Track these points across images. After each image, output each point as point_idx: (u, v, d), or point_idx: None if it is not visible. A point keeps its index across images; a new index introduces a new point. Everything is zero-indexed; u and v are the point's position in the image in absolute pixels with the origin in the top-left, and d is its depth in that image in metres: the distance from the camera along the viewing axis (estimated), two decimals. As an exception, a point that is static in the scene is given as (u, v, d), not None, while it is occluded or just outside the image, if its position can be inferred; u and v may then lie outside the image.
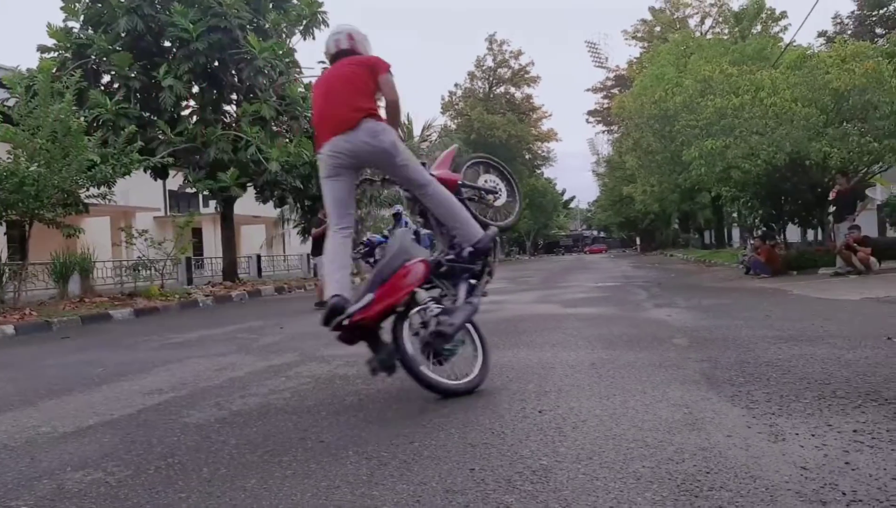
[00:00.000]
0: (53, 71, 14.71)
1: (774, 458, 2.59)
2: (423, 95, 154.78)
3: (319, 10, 19.52)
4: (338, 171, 4.02)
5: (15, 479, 2.86)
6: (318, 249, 12.02)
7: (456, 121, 52.98)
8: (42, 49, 16.76)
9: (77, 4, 17.06)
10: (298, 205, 22.23)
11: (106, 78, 17.77)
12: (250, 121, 17.44)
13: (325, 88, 4.17)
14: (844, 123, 13.84)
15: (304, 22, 19.49)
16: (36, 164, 11.37)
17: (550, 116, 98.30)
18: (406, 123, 45.44)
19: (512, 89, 55.82)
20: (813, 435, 2.86)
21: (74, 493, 2.65)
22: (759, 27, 32.66)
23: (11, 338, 9.36)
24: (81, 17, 17.23)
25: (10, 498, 2.63)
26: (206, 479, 2.72)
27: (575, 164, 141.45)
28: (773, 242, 15.54)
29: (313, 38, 20.55)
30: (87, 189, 12.99)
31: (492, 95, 54.58)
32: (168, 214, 26.76)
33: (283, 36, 19.25)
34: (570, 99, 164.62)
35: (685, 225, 51.38)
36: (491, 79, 55.20)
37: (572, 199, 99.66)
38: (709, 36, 37.56)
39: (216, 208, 20.95)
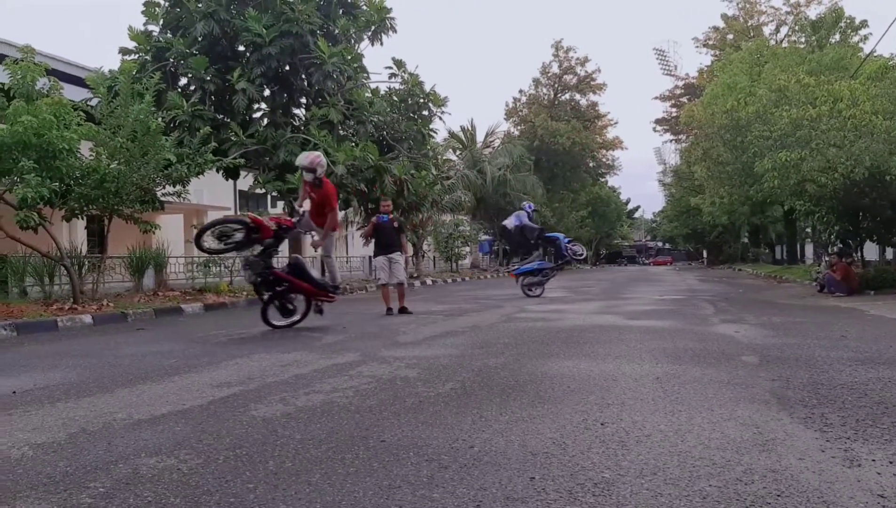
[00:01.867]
0: (134, 73, 15.33)
1: (849, 484, 2.49)
2: (488, 102, 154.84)
3: (388, 15, 19.76)
4: None
5: (93, 461, 3.00)
6: (379, 247, 11.05)
7: (519, 127, 52.73)
8: (123, 51, 17.52)
9: (157, 9, 17.77)
10: (362, 207, 22.54)
11: (183, 80, 18.42)
12: (318, 125, 17.78)
13: None
14: (928, 138, 13.18)
15: (373, 28, 19.77)
16: (116, 162, 11.90)
17: (616, 123, 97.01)
18: (469, 129, 45.72)
19: (577, 96, 55.20)
20: (891, 462, 2.73)
21: (148, 478, 2.76)
22: (837, 36, 31.37)
23: (90, 328, 9.81)
24: (161, 22, 17.93)
25: (88, 480, 2.76)
26: (273, 471, 2.80)
27: (640, 173, 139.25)
28: (849, 259, 14.92)
29: (381, 44, 20.79)
30: (164, 187, 13.49)
31: (556, 102, 54.10)
32: (238, 213, 27.54)
33: (352, 41, 19.55)
34: (636, 107, 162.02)
35: (755, 239, 49.72)
36: (556, 85, 54.73)
37: (637, 208, 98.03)
38: (784, 45, 36.32)
39: (284, 208, 21.44)
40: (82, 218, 13.32)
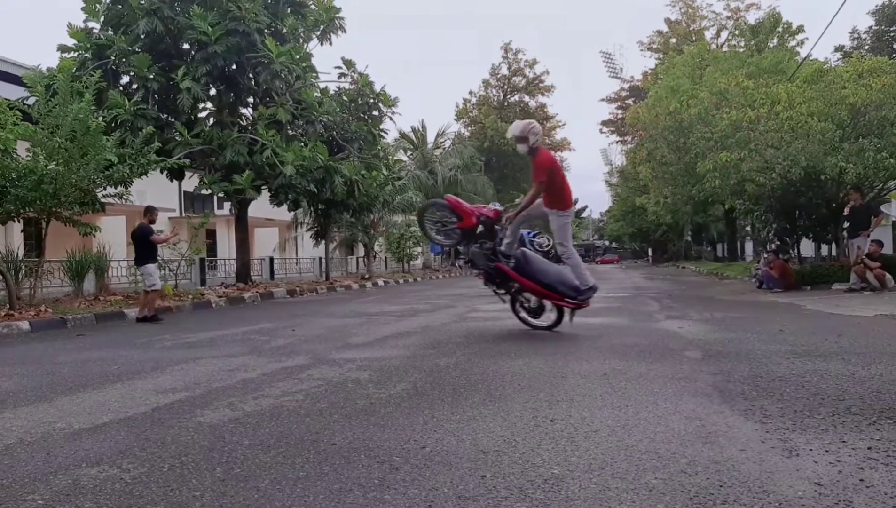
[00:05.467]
0: (73, 71, 14.85)
1: (788, 473, 2.58)
2: (437, 103, 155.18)
3: (337, 15, 19.63)
4: None
5: (31, 473, 2.90)
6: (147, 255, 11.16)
7: (470, 128, 53.01)
8: (62, 49, 16.95)
9: (98, 5, 17.23)
10: (312, 208, 22.31)
11: (125, 79, 17.93)
12: (266, 124, 17.53)
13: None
14: (860, 139, 13.77)
15: (322, 27, 19.60)
16: (54, 162, 11.46)
17: (564, 125, 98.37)
18: (420, 129, 45.72)
19: (526, 98, 55.81)
20: (827, 451, 2.84)
21: (90, 489, 2.67)
22: (775, 41, 32.48)
23: (27, 334, 9.45)
24: (102, 18, 17.40)
25: (26, 492, 2.66)
26: (220, 478, 2.75)
27: (588, 173, 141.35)
28: (786, 256, 15.47)
29: (330, 44, 20.70)
30: (105, 188, 13.09)
31: (506, 104, 54.58)
32: (183, 215, 26.92)
33: (301, 41, 19.34)
34: (584, 109, 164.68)
35: (698, 237, 51.11)
36: (505, 87, 55.22)
37: (584, 208, 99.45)
38: (724, 49, 37.43)
39: (231, 210, 21.07)
40: (19, 221, 12.84)
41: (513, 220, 7.33)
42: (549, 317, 7.59)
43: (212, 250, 28.84)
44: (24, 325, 9.81)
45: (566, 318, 7.41)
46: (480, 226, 7.60)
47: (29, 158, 11.53)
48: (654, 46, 49.04)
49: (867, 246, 12.73)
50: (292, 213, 26.85)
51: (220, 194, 18.91)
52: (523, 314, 7.81)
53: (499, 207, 7.86)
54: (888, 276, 12.33)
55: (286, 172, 17.02)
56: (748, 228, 30.05)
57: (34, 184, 11.23)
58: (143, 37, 16.84)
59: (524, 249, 7.78)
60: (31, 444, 3.37)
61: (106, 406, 4.20)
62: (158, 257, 12.37)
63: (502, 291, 7.80)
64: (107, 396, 4.54)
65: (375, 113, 21.90)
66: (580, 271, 7.23)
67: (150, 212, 11.35)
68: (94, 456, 3.12)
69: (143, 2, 16.77)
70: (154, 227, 11.35)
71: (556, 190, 7.14)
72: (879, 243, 12.94)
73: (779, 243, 18.33)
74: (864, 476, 2.53)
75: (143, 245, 11.11)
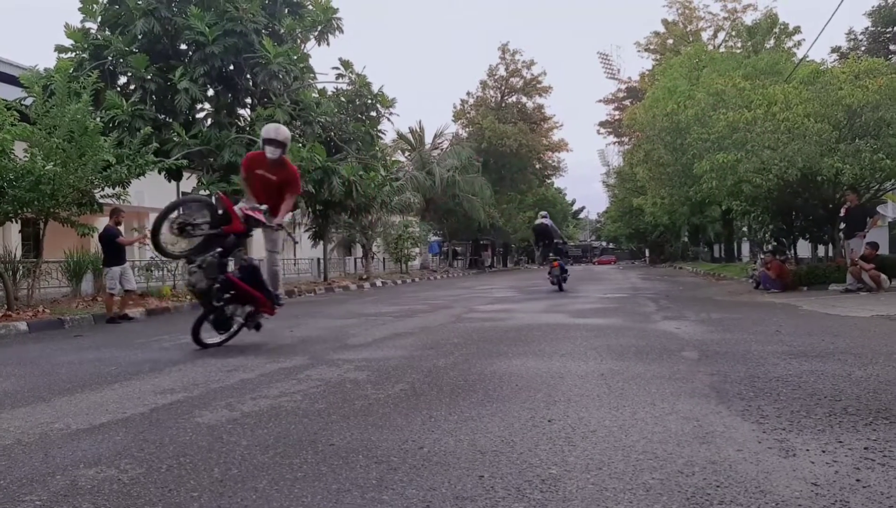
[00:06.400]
0: (70, 71, 14.82)
1: (785, 473, 2.59)
2: (436, 103, 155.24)
3: (334, 16, 19.62)
4: None
5: (28, 474, 2.90)
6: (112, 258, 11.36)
7: (467, 129, 52.96)
8: (60, 49, 16.91)
9: (95, 6, 17.20)
10: (310, 209, 22.30)
11: (122, 79, 17.90)
12: (264, 125, 17.53)
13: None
14: (857, 140, 13.78)
15: (319, 28, 19.59)
16: (52, 163, 11.43)
17: (562, 126, 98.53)
18: (418, 130, 45.72)
19: (524, 99, 55.75)
20: (824, 451, 2.86)
21: (87, 490, 2.68)
22: (772, 42, 32.58)
23: (25, 335, 9.43)
24: (99, 19, 17.37)
25: (24, 493, 2.66)
26: (218, 479, 2.75)
27: (585, 174, 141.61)
28: (783, 257, 15.48)
29: (328, 44, 20.66)
30: (102, 189, 13.07)
31: (503, 105, 54.53)
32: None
33: (298, 41, 19.33)
34: (581, 110, 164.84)
35: (695, 238, 51.16)
36: (503, 88, 55.17)
37: (582, 209, 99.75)
38: (721, 50, 37.47)
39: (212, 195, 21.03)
40: (16, 221, 12.80)
41: (281, 224, 7.13)
42: (232, 331, 7.08)
43: (209, 250, 28.71)
44: (22, 325, 9.80)
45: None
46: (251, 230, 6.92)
47: (27, 159, 11.51)
48: (652, 48, 49.05)
49: (862, 247, 12.76)
50: (290, 214, 26.82)
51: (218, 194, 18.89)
52: (205, 332, 6.95)
53: (262, 207, 6.92)
54: (883, 276, 12.37)
55: (284, 173, 17.00)
56: (745, 228, 30.10)
57: (32, 185, 11.21)
58: (140, 37, 16.81)
59: (250, 257, 7.41)
60: (28, 445, 3.37)
61: (104, 407, 4.20)
62: (156, 259, 12.39)
63: (216, 304, 6.75)
64: (105, 397, 4.54)
65: (373, 114, 21.90)
66: (277, 281, 7.45)
67: (115, 214, 11.47)
68: (91, 457, 3.12)
69: (140, 2, 16.75)
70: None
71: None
72: (874, 246, 12.98)
73: (775, 243, 18.35)
74: (860, 477, 2.54)
75: (109, 247, 11.23)
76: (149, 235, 6.88)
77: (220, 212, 6.78)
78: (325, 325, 9.41)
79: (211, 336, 6.96)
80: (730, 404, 3.77)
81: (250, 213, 6.77)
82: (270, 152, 7.04)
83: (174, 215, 6.62)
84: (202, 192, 18.74)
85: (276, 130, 7.22)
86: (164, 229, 6.49)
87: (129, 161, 12.90)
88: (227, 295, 6.75)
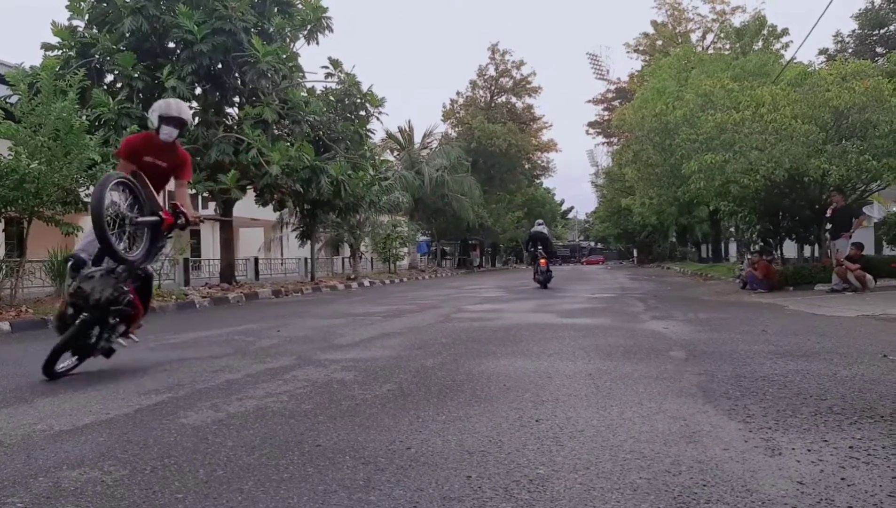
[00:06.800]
0: (57, 69, 14.67)
1: (771, 472, 2.60)
2: (425, 103, 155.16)
3: (324, 15, 19.58)
4: None
5: (10, 476, 2.85)
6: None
7: (457, 129, 52.99)
8: (46, 47, 16.78)
9: (82, 3, 17.07)
10: (298, 209, 22.23)
11: (109, 77, 17.77)
12: (252, 124, 17.44)
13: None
14: (843, 141, 13.91)
15: (309, 27, 19.55)
16: (37, 161, 11.32)
17: (551, 126, 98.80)
18: (407, 130, 45.68)
19: (513, 99, 55.85)
20: (809, 450, 2.87)
21: (71, 492, 2.64)
22: (760, 43, 32.79)
23: (7, 335, 9.33)
24: (86, 16, 17.25)
25: (5, 495, 2.62)
26: (203, 480, 2.72)
27: (574, 174, 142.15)
28: (769, 257, 15.59)
29: (317, 44, 20.62)
30: (88, 187, 12.95)
31: (493, 104, 54.60)
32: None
33: (287, 40, 19.28)
34: (570, 110, 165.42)
35: (682, 238, 51.45)
36: (493, 88, 55.24)
37: (571, 209, 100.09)
38: (710, 51, 37.72)
39: (215, 209, 20.96)
40: (0, 220, 12.67)
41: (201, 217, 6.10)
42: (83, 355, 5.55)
43: (196, 250, 28.67)
44: (5, 326, 9.69)
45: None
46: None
47: (11, 157, 11.39)
48: (641, 49, 49.30)
49: (848, 248, 12.87)
50: (278, 213, 26.73)
51: (205, 194, 18.77)
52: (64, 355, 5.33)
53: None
54: (869, 276, 12.48)
55: (272, 172, 16.95)
56: (732, 229, 30.27)
57: (16, 183, 11.09)
58: (127, 35, 16.70)
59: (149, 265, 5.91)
60: (10, 446, 3.33)
61: (87, 408, 4.15)
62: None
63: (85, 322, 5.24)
64: (88, 397, 4.49)
65: (362, 113, 21.87)
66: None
67: None
68: (75, 458, 3.08)
69: (128, 0, 16.63)
70: None
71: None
72: (860, 246, 13.10)
73: (762, 244, 18.47)
74: (845, 475, 2.55)
75: None
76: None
77: (140, 187, 5.42)
78: (312, 325, 9.37)
79: (68, 359, 5.41)
80: (716, 403, 3.79)
81: (178, 206, 5.68)
82: (167, 134, 5.65)
83: (108, 209, 4.96)
84: (189, 191, 18.65)
85: (178, 106, 5.80)
86: (114, 243, 5.02)
87: (115, 160, 12.79)
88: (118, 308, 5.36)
